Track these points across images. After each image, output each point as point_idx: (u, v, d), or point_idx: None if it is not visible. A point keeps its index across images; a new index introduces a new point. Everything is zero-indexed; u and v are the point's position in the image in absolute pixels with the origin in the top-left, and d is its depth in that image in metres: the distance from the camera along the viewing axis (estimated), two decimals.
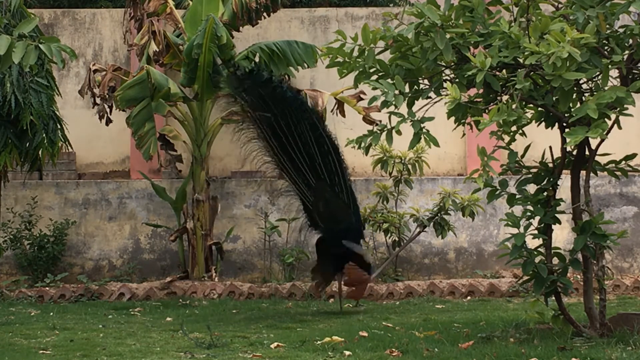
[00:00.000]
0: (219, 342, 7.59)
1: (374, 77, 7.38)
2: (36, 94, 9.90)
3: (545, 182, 7.54)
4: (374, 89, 7.13)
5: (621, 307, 9.62)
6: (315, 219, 10.17)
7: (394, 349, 7.06)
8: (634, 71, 7.27)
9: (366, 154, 8.14)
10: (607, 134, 6.78)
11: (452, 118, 7.22)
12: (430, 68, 7.23)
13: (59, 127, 10.48)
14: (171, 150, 12.06)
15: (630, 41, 7.02)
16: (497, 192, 7.50)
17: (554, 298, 7.53)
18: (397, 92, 7.02)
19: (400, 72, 7.28)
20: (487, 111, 7.09)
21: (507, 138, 7.25)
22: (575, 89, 7.06)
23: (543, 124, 7.57)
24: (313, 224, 10.34)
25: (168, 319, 9.65)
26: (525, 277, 7.50)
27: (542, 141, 7.90)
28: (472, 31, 7.10)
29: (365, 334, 7.97)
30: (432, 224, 11.11)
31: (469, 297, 11.27)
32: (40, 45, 6.39)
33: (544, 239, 7.54)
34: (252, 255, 12.65)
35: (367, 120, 11.61)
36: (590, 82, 7.15)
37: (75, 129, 11.99)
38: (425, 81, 7.50)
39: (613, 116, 6.88)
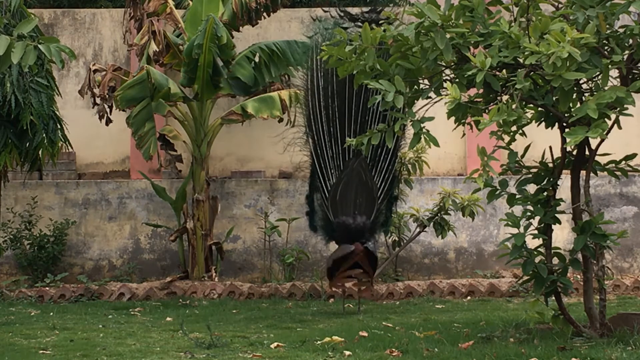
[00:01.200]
0: (219, 342, 7.58)
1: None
2: (36, 94, 9.91)
3: (545, 182, 7.54)
4: (374, 88, 7.14)
5: (621, 307, 9.62)
6: (325, 212, 9.85)
7: (394, 349, 7.06)
8: (634, 71, 7.27)
9: (366, 154, 8.16)
10: (607, 134, 6.78)
11: (452, 118, 7.22)
12: (430, 68, 7.23)
13: (59, 127, 10.48)
14: (171, 150, 12.06)
15: (630, 41, 7.02)
16: (497, 192, 7.50)
17: (554, 298, 7.53)
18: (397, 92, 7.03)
19: (400, 72, 7.28)
20: (487, 111, 7.09)
21: (507, 138, 7.25)
22: (575, 89, 7.06)
23: (543, 124, 7.57)
24: (316, 224, 10.24)
25: (168, 319, 9.65)
26: (525, 277, 7.50)
27: (542, 141, 7.90)
28: (472, 31, 7.10)
29: (365, 334, 7.97)
30: (432, 224, 11.11)
31: (469, 297, 11.26)
32: (39, 46, 6.38)
33: (544, 239, 7.54)
34: (252, 255, 12.65)
35: None
36: (590, 82, 7.15)
37: (75, 129, 11.98)
38: (425, 81, 7.50)
39: (613, 116, 6.88)
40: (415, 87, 7.46)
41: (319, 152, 9.88)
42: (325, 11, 11.03)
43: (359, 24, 10.17)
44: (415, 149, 11.27)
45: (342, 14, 10.40)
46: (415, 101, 7.40)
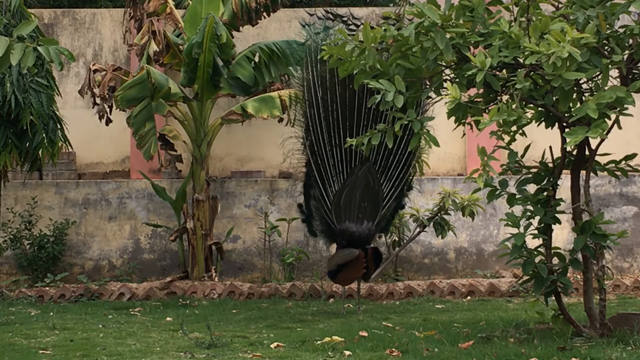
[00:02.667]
0: (219, 342, 7.59)
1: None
2: (36, 94, 9.92)
3: (545, 182, 7.54)
4: (374, 88, 7.14)
5: (621, 307, 9.62)
6: (325, 218, 9.81)
7: (394, 349, 7.06)
8: (634, 71, 7.27)
9: (366, 154, 8.15)
10: (607, 134, 6.78)
11: (452, 118, 7.23)
12: (430, 68, 7.23)
13: (59, 127, 10.50)
14: (171, 150, 12.06)
15: (630, 41, 7.02)
16: (497, 192, 7.50)
17: (554, 298, 7.53)
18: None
19: (400, 72, 7.28)
20: (487, 111, 7.09)
21: (507, 138, 7.25)
22: (575, 89, 7.06)
23: (543, 124, 7.58)
24: (315, 229, 10.21)
25: (168, 319, 9.65)
26: (525, 277, 7.50)
27: (542, 141, 7.90)
28: (472, 31, 7.10)
29: (365, 334, 7.97)
30: (432, 224, 11.09)
31: (469, 297, 11.26)
32: (38, 48, 6.38)
33: (544, 239, 7.54)
34: (252, 255, 12.65)
35: None
36: (590, 82, 7.15)
37: (75, 129, 12.00)
38: (426, 81, 7.50)
39: (613, 116, 6.88)
40: (415, 87, 7.46)
41: (319, 162, 9.80)
42: (310, 14, 11.01)
43: (350, 25, 10.15)
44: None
45: (332, 17, 10.35)
46: (416, 101, 7.40)
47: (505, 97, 6.77)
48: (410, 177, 10.10)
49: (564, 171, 7.60)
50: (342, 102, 9.69)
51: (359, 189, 9.59)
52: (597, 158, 7.54)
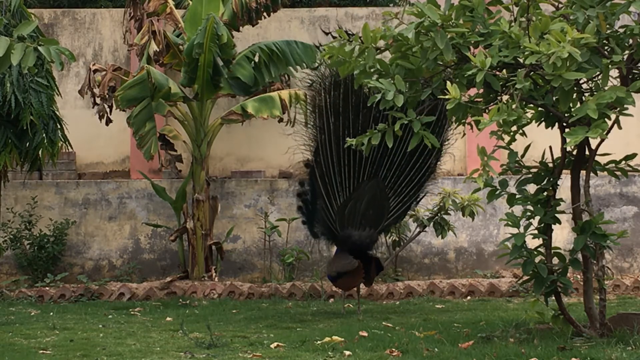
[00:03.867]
0: (219, 342, 7.59)
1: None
2: (36, 94, 9.93)
3: (545, 182, 7.55)
4: (374, 88, 7.15)
5: (621, 307, 9.62)
6: (327, 223, 9.84)
7: (394, 349, 7.07)
8: (634, 71, 7.27)
9: (366, 154, 8.14)
10: (607, 134, 6.78)
11: (452, 118, 7.23)
12: (430, 68, 7.23)
13: (59, 127, 10.51)
14: (171, 150, 12.06)
15: (630, 41, 7.02)
16: (497, 192, 7.50)
17: (554, 298, 7.54)
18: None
19: (400, 71, 7.28)
20: (487, 111, 7.09)
21: (507, 138, 7.25)
22: (575, 89, 7.06)
23: (543, 124, 7.57)
24: (317, 231, 10.21)
25: (168, 319, 9.65)
26: (525, 277, 7.50)
27: (542, 141, 7.90)
28: (472, 31, 7.10)
29: (365, 334, 7.97)
30: (432, 224, 11.09)
31: (469, 297, 11.26)
32: (39, 48, 6.38)
33: (544, 239, 7.54)
34: (252, 255, 12.65)
35: None
36: (590, 82, 7.15)
37: (75, 129, 12.00)
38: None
39: (613, 116, 6.87)
40: (416, 87, 7.47)
41: (327, 180, 9.79)
42: (326, 33, 10.96)
43: None
44: None
45: (348, 37, 10.31)
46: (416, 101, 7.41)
47: (505, 97, 6.77)
48: (421, 197, 10.14)
49: (564, 171, 7.60)
50: (355, 129, 9.67)
51: (365, 198, 9.64)
52: (597, 158, 7.54)
